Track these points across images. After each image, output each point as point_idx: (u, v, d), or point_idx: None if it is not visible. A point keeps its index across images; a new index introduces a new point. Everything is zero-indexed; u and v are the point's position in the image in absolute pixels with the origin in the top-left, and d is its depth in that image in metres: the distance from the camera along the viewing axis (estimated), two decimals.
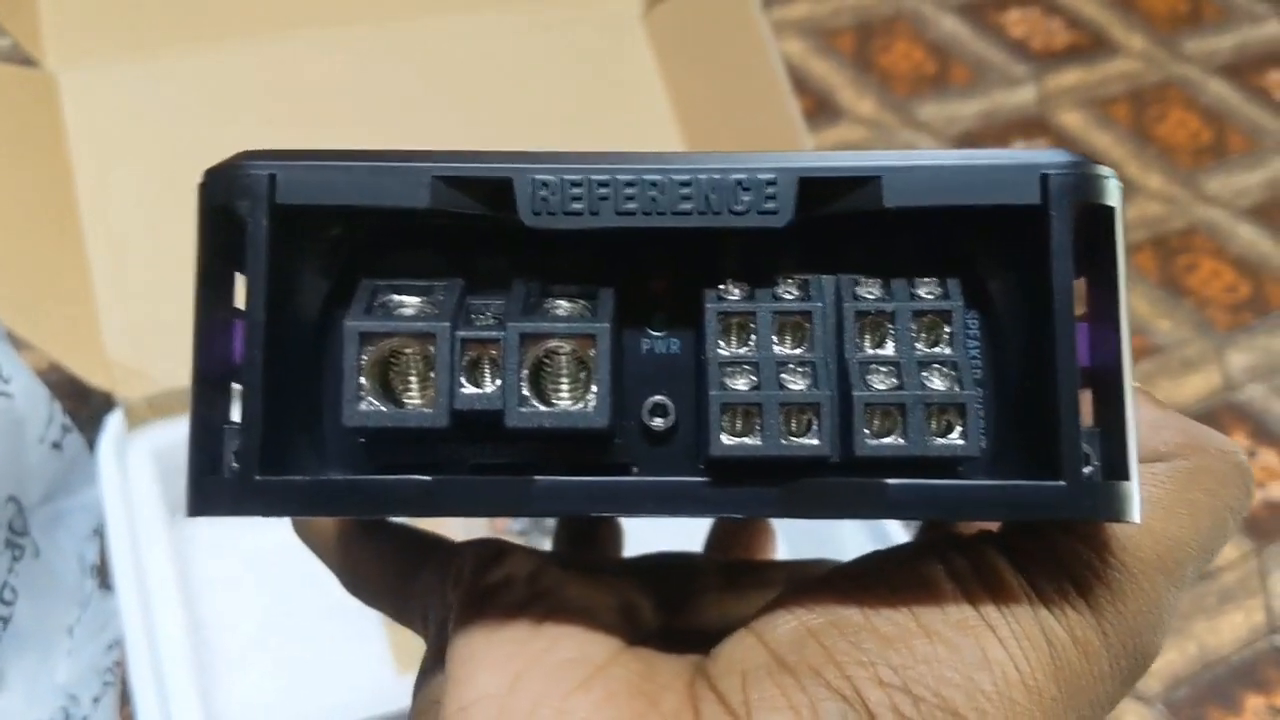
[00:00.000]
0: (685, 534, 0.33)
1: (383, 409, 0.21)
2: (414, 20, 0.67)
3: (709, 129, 0.65)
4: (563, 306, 0.23)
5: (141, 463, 0.55)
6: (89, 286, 0.57)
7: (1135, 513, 0.21)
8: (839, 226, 0.22)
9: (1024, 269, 0.22)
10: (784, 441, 0.21)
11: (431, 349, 0.21)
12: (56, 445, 0.54)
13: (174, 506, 0.56)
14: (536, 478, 0.22)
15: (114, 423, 0.55)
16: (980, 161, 0.22)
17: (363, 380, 0.21)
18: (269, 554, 0.59)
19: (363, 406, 0.21)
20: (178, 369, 0.55)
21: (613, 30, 0.68)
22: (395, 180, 0.22)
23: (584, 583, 0.25)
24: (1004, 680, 0.20)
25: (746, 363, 0.22)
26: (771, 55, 0.61)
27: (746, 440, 0.21)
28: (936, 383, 0.22)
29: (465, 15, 0.67)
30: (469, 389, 0.21)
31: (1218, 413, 0.74)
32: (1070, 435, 0.21)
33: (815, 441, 0.21)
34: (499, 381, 0.21)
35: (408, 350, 0.22)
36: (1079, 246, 0.22)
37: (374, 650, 0.56)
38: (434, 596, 0.27)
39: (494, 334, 0.21)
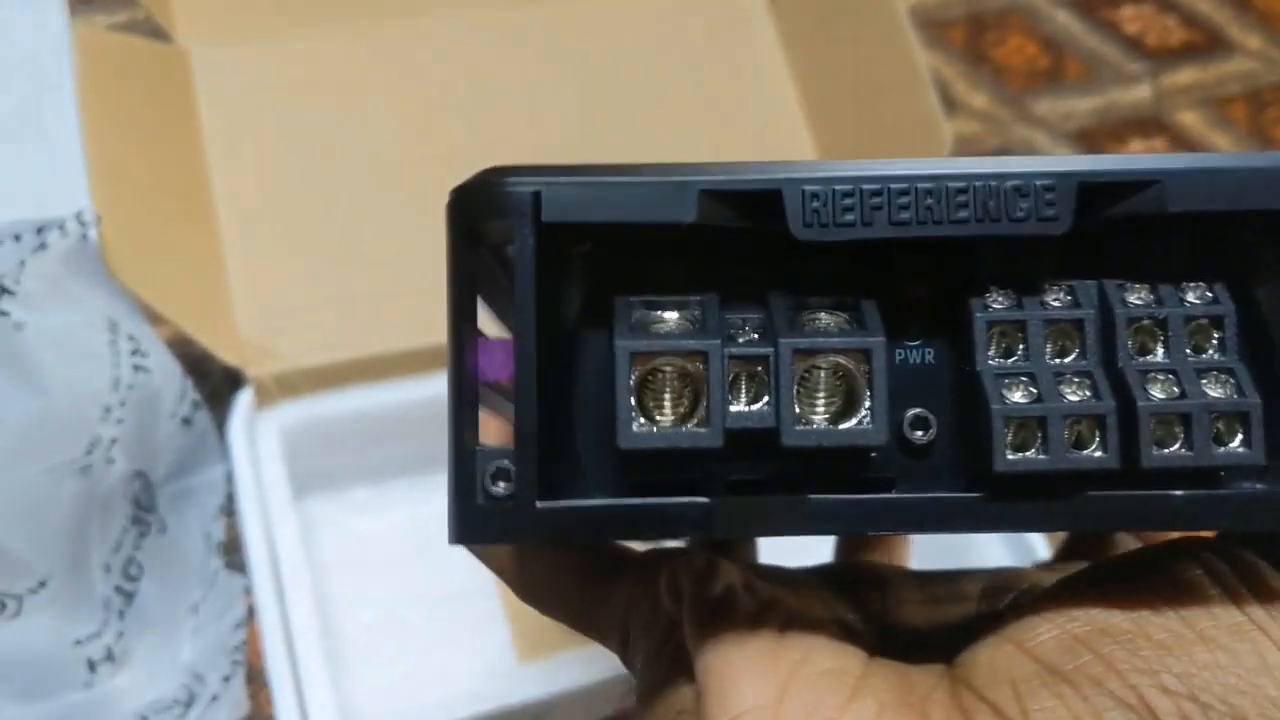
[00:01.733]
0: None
1: (654, 430, 0.21)
2: (536, 8, 0.66)
3: (840, 120, 0.64)
4: (822, 319, 0.22)
5: (270, 442, 0.54)
6: (220, 264, 0.57)
7: None
8: (1101, 230, 0.22)
9: None
10: (1069, 455, 0.21)
11: (700, 366, 0.21)
12: (187, 421, 0.54)
13: (300, 487, 0.55)
14: (811, 496, 0.21)
15: (244, 401, 0.55)
16: (1259, 164, 0.21)
17: (632, 400, 0.21)
18: (386, 540, 0.59)
19: (635, 428, 0.21)
20: (306, 348, 0.55)
21: (737, 17, 0.67)
22: (661, 196, 0.21)
23: (794, 594, 0.25)
24: None
25: (1022, 374, 0.21)
26: (908, 40, 0.60)
27: (1029, 454, 0.21)
28: (1215, 391, 0.21)
29: (586, 2, 0.67)
30: (737, 407, 0.21)
31: None
32: None
33: (1101, 454, 0.21)
34: (765, 399, 0.21)
35: (666, 369, 0.21)
36: None
37: (495, 639, 0.56)
38: (640, 608, 0.26)
39: (763, 350, 0.21)
